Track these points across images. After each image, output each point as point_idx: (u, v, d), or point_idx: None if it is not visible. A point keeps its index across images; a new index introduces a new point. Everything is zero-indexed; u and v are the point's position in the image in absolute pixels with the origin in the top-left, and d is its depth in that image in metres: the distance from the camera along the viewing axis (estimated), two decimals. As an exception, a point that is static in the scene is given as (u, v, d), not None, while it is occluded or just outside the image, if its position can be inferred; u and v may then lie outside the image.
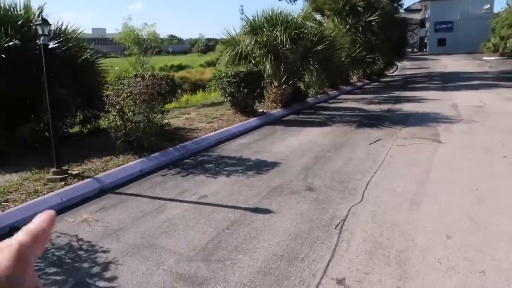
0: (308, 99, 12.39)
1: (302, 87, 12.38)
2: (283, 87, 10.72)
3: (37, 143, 6.84)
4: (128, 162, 5.62)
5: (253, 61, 10.18)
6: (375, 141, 7.08)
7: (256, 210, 4.12)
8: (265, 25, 9.85)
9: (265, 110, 10.25)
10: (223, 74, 9.41)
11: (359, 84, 18.39)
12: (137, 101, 5.88)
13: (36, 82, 6.90)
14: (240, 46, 10.16)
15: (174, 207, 4.28)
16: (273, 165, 5.75)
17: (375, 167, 5.52)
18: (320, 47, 10.03)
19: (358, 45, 15.60)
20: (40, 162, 5.58)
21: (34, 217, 0.42)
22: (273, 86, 10.75)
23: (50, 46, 7.38)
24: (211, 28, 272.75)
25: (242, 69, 9.28)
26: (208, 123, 8.78)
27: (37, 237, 0.40)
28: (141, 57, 13.34)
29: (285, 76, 10.62)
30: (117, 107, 5.81)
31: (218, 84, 9.53)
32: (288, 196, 4.50)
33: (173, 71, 39.12)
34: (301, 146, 6.92)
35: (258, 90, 9.65)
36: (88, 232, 3.71)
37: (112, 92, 5.94)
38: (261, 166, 5.69)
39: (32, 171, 5.38)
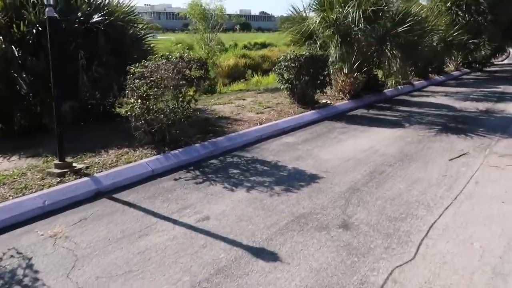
0: (386, 90, 10.63)
1: (380, 75, 10.64)
2: (355, 75, 9.18)
3: (76, 123, 6.53)
4: (142, 159, 4.88)
5: (318, 43, 8.77)
6: (458, 156, 5.43)
7: (259, 253, 3.05)
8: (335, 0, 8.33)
9: (328, 102, 8.87)
10: (281, 58, 8.23)
11: (456, 73, 15.70)
12: (160, 86, 5.06)
13: (75, 58, 6.51)
14: (306, 24, 8.80)
15: (162, 230, 3.39)
16: (312, 179, 4.56)
17: (449, 199, 4.03)
18: (402, 28, 8.23)
19: (457, 27, 13.07)
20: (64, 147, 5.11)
21: None
22: (342, 73, 9.27)
23: (92, 20, 6.95)
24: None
25: (304, 52, 7.99)
26: (258, 113, 7.75)
27: None
28: (207, 34, 12.64)
29: (357, 62, 9.05)
30: (138, 93, 5.06)
31: (276, 68, 8.38)
32: (311, 233, 3.33)
33: (255, 49, 38.48)
34: (356, 154, 5.57)
35: (321, 78, 8.30)
36: (44, 257, 2.99)
37: (135, 74, 5.20)
38: (295, 180, 4.54)
39: (45, 158, 4.92)
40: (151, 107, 5.09)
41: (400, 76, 9.30)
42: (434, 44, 11.00)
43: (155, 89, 5.03)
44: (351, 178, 4.59)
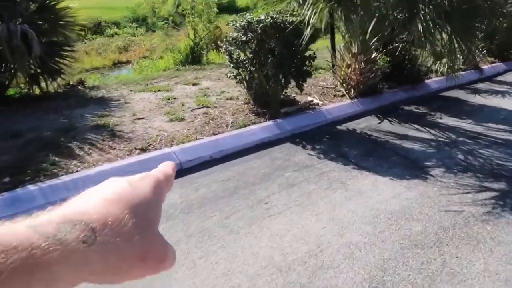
0: (431, 80, 6.67)
1: (423, 56, 6.63)
2: (368, 57, 5.43)
3: None
4: None
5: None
6: None
7: None
8: None
9: (316, 101, 5.31)
10: (230, 25, 4.76)
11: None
12: None
13: None
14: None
15: None
16: None
17: None
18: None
19: None
20: None
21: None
22: (348, 53, 5.56)
23: None
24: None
25: (262, 17, 4.43)
26: (176, 120, 4.52)
27: (167, 177, 0.43)
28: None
29: (373, 36, 5.25)
30: None
31: (223, 44, 4.93)
32: None
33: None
34: (282, 265, 2.23)
35: (297, 63, 4.73)
36: None
37: None
38: None
39: None
40: None
41: (455, 60, 5.34)
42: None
43: None
44: None
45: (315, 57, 4.87)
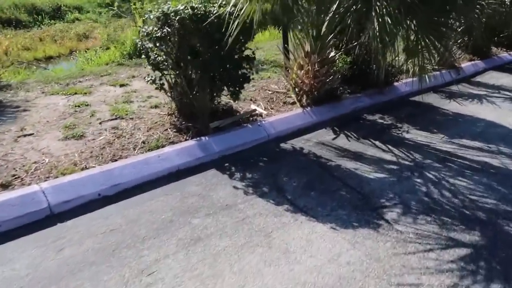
0: (402, 82, 5.82)
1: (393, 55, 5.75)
2: (325, 55, 4.52)
3: None
4: None
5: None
6: None
7: None
8: None
9: (260, 111, 4.39)
10: (145, 17, 3.76)
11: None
12: None
13: None
14: None
15: None
16: None
17: None
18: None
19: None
20: None
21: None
22: (301, 52, 4.64)
23: None
24: None
25: (179, 6, 3.45)
26: (63, 139, 3.52)
27: None
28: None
29: (331, 31, 4.34)
30: None
31: (139, 40, 3.92)
32: None
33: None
34: None
35: (230, 66, 3.77)
36: None
37: None
38: None
39: None
40: None
41: (424, 60, 4.46)
42: (507, 3, 5.95)
43: None
44: None
45: (254, 58, 3.92)
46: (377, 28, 3.12)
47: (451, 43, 6.13)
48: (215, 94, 3.89)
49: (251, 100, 4.70)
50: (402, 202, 3.02)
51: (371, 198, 3.06)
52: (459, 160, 3.77)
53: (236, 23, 3.29)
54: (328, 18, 4.22)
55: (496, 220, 2.83)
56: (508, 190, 3.24)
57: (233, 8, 3.48)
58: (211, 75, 3.72)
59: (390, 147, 3.98)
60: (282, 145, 3.93)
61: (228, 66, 3.75)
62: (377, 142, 4.08)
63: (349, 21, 3.58)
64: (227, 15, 3.36)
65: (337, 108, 4.74)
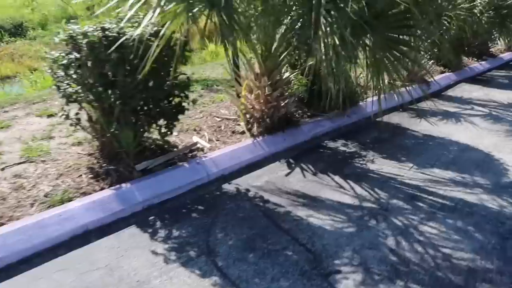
0: (368, 101, 5.31)
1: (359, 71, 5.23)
2: (279, 78, 3.97)
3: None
4: None
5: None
6: None
7: None
8: None
9: (203, 144, 3.77)
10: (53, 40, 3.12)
11: (508, 57, 9.83)
12: None
13: None
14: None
15: None
16: None
17: None
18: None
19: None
20: None
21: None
22: (247, 76, 4.07)
23: None
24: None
25: (86, 28, 2.84)
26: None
27: None
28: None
29: (283, 47, 3.79)
30: None
31: (49, 65, 3.28)
32: None
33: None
34: None
35: (160, 98, 3.16)
36: None
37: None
38: None
39: None
40: None
41: (382, 81, 3.89)
42: (476, 13, 5.60)
43: None
44: None
45: (189, 84, 3.33)
46: (323, 50, 2.56)
47: (420, 55, 5.71)
48: (142, 130, 3.26)
49: (194, 130, 4.09)
50: (361, 262, 2.44)
51: (323, 259, 2.47)
52: (429, 197, 3.24)
53: (155, 45, 2.68)
54: (277, 35, 3.68)
55: (474, 284, 2.28)
56: (487, 237, 2.72)
57: (156, 28, 2.89)
58: (135, 107, 3.10)
59: (351, 183, 3.42)
60: (225, 186, 3.33)
61: (155, 96, 3.14)
62: (336, 178, 3.51)
63: (294, 40, 3.03)
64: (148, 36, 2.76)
65: (293, 135, 4.17)
